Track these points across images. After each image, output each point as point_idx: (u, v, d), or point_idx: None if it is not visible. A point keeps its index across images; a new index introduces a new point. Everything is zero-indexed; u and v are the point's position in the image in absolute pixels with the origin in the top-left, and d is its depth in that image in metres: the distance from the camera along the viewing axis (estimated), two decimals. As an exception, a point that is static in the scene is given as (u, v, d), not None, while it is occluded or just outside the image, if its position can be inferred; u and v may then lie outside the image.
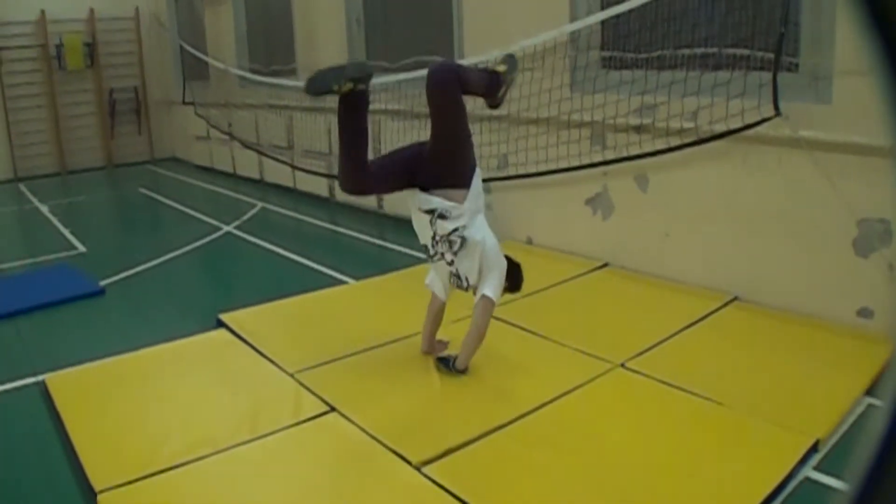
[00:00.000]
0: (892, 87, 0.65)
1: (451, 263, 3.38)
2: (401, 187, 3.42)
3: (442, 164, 3.35)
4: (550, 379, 3.37)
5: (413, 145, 3.55)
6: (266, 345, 3.93)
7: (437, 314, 3.65)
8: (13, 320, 4.65)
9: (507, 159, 5.62)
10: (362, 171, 3.36)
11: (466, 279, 3.39)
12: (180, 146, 12.55)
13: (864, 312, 3.63)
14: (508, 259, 3.52)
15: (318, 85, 3.26)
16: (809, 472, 2.65)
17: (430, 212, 3.31)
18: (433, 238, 3.36)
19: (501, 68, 3.62)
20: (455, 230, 3.30)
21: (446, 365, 3.47)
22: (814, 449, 2.74)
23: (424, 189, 3.35)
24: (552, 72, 5.08)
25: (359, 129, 3.34)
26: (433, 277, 3.57)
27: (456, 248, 3.33)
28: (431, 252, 3.42)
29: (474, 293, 3.43)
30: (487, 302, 3.37)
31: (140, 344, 4.02)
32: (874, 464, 0.64)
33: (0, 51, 11.11)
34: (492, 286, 3.38)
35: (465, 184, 3.36)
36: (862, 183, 3.55)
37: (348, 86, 3.22)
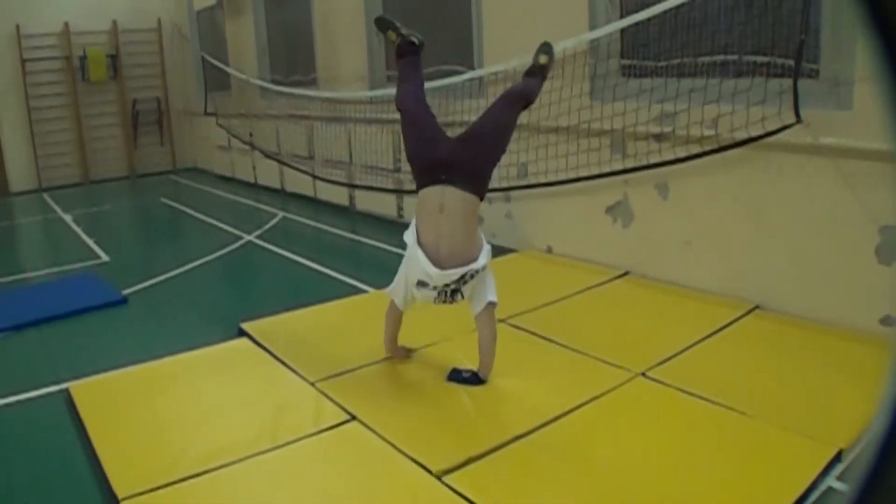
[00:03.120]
0: (893, 91, 0.65)
1: (455, 293, 3.32)
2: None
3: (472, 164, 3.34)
4: (571, 388, 3.35)
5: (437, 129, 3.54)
6: (287, 354, 3.94)
7: (397, 320, 3.65)
8: (37, 329, 4.70)
9: (527, 168, 5.62)
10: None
11: (461, 295, 3.32)
12: (202, 156, 12.66)
13: (888, 321, 3.60)
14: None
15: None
16: (833, 481, 2.63)
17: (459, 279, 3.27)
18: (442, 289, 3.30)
19: (544, 59, 3.81)
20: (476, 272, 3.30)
21: (460, 378, 3.47)
22: (837, 459, 2.72)
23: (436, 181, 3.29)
24: (572, 80, 5.08)
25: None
26: (395, 288, 3.49)
27: (467, 282, 3.31)
28: (436, 300, 3.33)
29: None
30: (492, 307, 3.38)
31: (162, 352, 4.05)
32: (875, 464, 0.64)
33: (25, 62, 11.27)
34: (492, 290, 3.37)
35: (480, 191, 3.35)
36: (884, 190, 3.51)
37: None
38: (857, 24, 0.67)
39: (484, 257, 3.29)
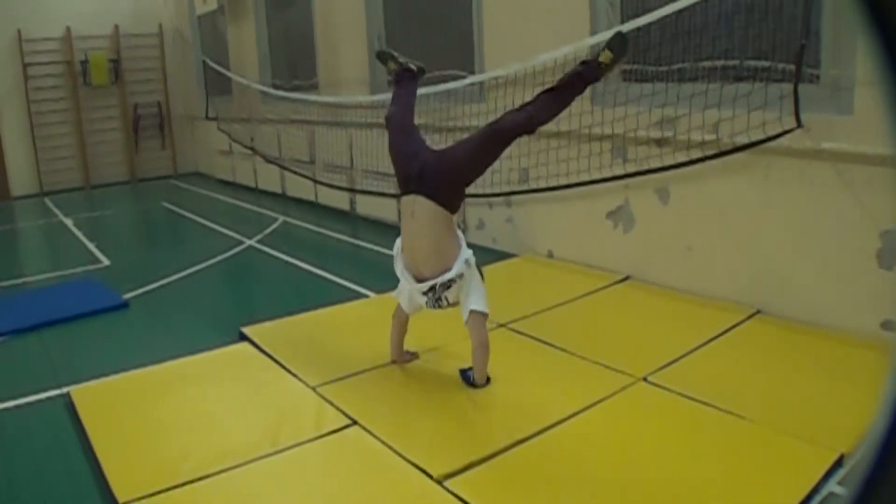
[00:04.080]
0: (894, 93, 0.65)
1: (439, 300, 3.44)
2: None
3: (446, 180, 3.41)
4: (572, 393, 3.35)
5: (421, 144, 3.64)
6: (288, 358, 3.94)
7: (402, 324, 3.71)
8: (38, 333, 4.70)
9: (528, 173, 5.62)
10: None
11: (447, 300, 3.43)
12: (203, 161, 12.66)
13: (889, 325, 3.59)
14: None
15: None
16: (834, 486, 2.62)
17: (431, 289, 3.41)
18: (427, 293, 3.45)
19: (605, 57, 3.53)
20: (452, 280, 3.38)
21: (465, 377, 3.50)
22: (838, 463, 2.71)
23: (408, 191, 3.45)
24: (572, 85, 5.08)
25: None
26: (400, 290, 3.59)
27: (449, 287, 3.40)
28: (427, 304, 3.49)
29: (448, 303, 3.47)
30: (478, 315, 3.39)
31: (163, 357, 4.05)
32: (874, 466, 0.64)
33: (26, 67, 11.28)
34: (476, 300, 3.40)
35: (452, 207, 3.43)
36: (885, 194, 3.51)
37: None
38: (858, 27, 0.67)
39: (457, 267, 3.36)
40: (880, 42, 0.65)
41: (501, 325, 4.15)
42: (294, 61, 9.39)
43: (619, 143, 4.91)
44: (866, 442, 0.65)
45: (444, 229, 3.41)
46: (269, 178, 10.01)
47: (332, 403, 3.39)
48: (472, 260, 3.42)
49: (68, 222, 9.01)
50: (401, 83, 3.91)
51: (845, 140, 3.69)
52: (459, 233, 3.51)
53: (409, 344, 3.81)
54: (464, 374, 3.52)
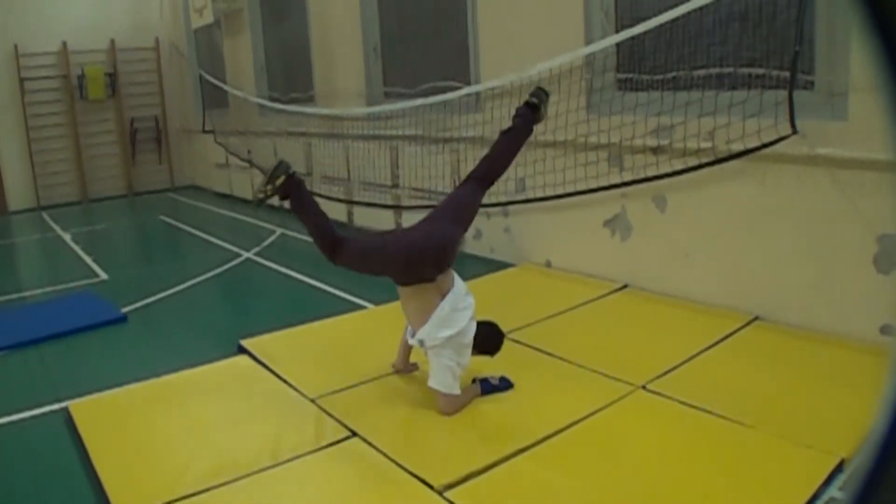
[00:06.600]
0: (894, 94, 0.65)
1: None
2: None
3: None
4: (571, 402, 3.35)
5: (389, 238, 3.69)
6: (287, 370, 3.94)
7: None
8: (37, 347, 4.69)
9: (525, 182, 5.63)
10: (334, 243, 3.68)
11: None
12: (200, 174, 12.67)
13: (887, 329, 3.59)
14: (486, 324, 3.48)
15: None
16: (835, 491, 2.62)
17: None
18: None
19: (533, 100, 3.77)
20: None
21: (491, 388, 3.49)
22: (839, 468, 2.71)
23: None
24: (568, 95, 5.10)
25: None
26: None
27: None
28: None
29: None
30: (438, 393, 3.35)
31: (162, 370, 4.04)
32: (873, 468, 0.64)
33: (23, 81, 11.31)
34: (433, 378, 3.35)
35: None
36: (881, 199, 3.53)
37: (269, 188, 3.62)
38: (858, 30, 0.67)
39: (416, 339, 3.39)
40: (880, 45, 0.65)
41: (500, 335, 4.15)
42: (291, 74, 9.41)
43: (616, 151, 4.92)
44: (866, 446, 0.66)
45: (409, 300, 3.41)
46: (267, 191, 9.99)
47: (331, 415, 3.39)
48: (433, 343, 3.31)
49: (66, 236, 9.01)
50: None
51: (840, 145, 3.71)
52: (440, 308, 3.32)
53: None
54: (488, 386, 3.50)
